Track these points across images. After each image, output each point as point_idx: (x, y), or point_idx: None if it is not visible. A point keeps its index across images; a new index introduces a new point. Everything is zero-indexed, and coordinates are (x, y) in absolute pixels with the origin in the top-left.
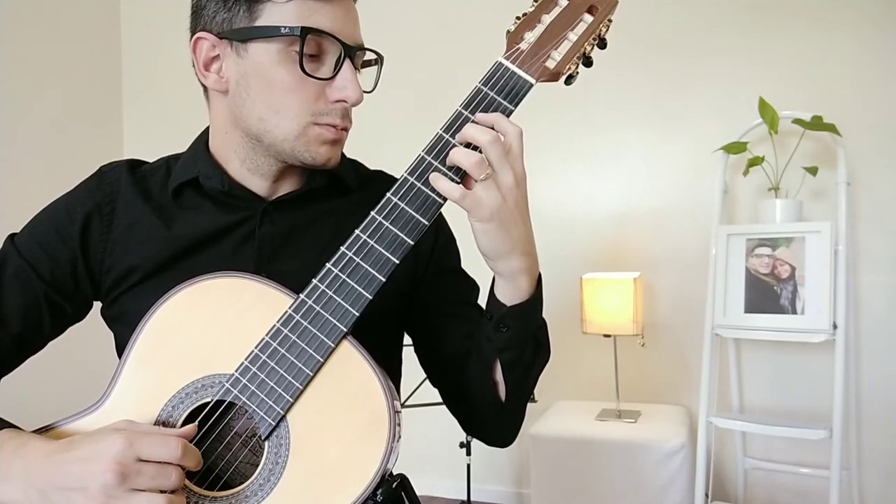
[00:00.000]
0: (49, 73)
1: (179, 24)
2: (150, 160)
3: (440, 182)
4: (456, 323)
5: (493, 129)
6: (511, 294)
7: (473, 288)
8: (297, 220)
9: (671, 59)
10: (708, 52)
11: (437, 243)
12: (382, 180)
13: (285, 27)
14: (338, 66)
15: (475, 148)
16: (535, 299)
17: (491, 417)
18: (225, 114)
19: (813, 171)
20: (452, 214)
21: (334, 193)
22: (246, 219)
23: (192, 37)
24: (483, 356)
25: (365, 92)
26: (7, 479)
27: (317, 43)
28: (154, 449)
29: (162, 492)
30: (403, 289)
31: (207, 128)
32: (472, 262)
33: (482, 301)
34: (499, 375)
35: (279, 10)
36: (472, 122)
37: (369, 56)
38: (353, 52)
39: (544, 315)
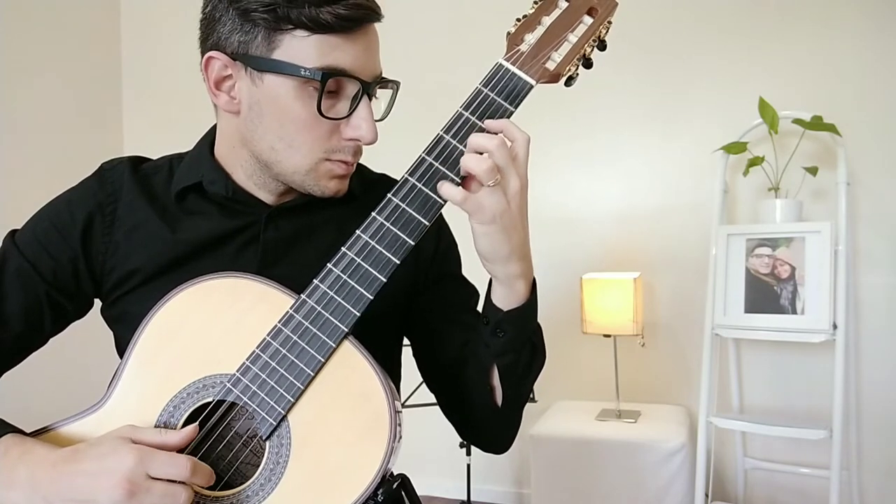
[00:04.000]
0: (49, 73)
1: (179, 25)
2: (152, 158)
3: (442, 186)
4: (455, 329)
5: (501, 134)
6: (508, 298)
7: (473, 294)
8: (301, 227)
9: (671, 60)
10: (708, 52)
11: (438, 248)
12: (387, 184)
13: (305, 69)
14: (354, 104)
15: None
16: (531, 303)
17: (487, 423)
18: (234, 132)
19: (813, 171)
20: (454, 221)
21: (338, 199)
22: (250, 224)
23: (203, 50)
24: (480, 361)
25: (376, 120)
26: (12, 486)
27: (335, 81)
28: (164, 467)
29: None
30: (405, 292)
31: (213, 128)
32: (472, 269)
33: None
34: (495, 380)
35: (299, 45)
36: (480, 127)
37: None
38: (370, 89)
39: (544, 314)
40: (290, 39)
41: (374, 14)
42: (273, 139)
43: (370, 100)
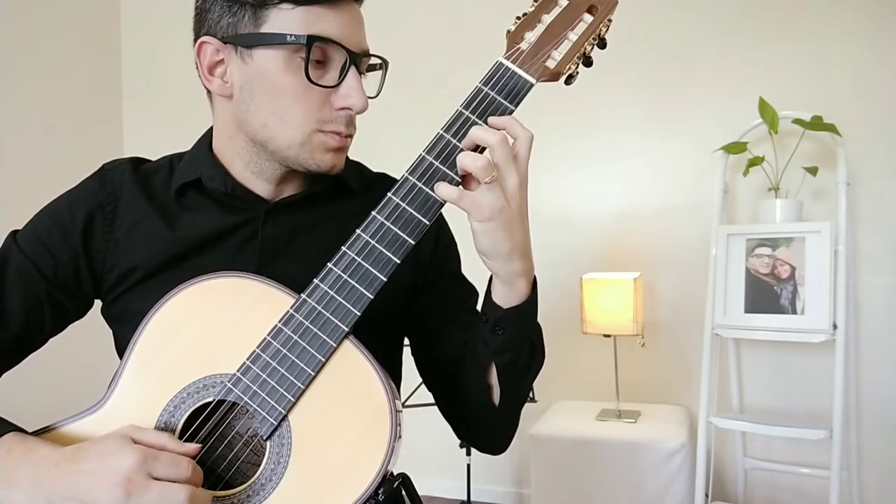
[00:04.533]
0: (49, 73)
1: (179, 24)
2: (152, 158)
3: (438, 186)
4: (454, 328)
5: (503, 131)
6: (508, 296)
7: (473, 294)
8: (300, 223)
9: (671, 59)
10: (708, 52)
11: (438, 247)
12: (386, 183)
13: (291, 35)
14: (343, 74)
15: (481, 149)
16: (532, 302)
17: (484, 422)
18: (229, 118)
19: (813, 171)
20: (454, 219)
21: (337, 196)
22: (249, 220)
23: (195, 40)
24: (478, 359)
25: (369, 97)
26: (14, 485)
27: (322, 50)
28: (165, 468)
29: None
30: (404, 291)
31: (211, 128)
32: (472, 268)
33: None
34: (493, 379)
35: (285, 17)
36: (480, 124)
37: (374, 60)
38: (358, 59)
39: (544, 314)
40: (276, 13)
41: None
42: (265, 115)
43: (360, 73)
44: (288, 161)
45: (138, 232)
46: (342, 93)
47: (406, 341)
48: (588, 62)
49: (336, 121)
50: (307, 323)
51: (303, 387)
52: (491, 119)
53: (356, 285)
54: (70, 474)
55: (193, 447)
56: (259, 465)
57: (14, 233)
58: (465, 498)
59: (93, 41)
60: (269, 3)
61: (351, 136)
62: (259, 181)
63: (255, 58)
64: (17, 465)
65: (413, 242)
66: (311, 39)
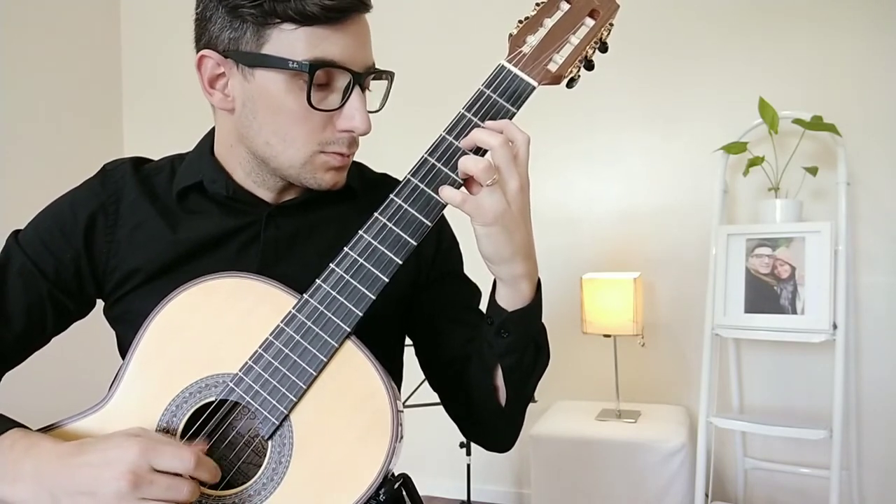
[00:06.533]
0: (49, 73)
1: (180, 25)
2: (153, 158)
3: (442, 189)
4: (457, 327)
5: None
6: (512, 299)
7: (475, 293)
8: (302, 225)
9: (671, 60)
10: (708, 52)
11: (440, 248)
12: (388, 184)
13: (293, 61)
14: (346, 95)
15: (482, 152)
16: (536, 304)
17: (490, 422)
18: (231, 129)
19: (813, 171)
20: (455, 219)
21: (339, 198)
22: (250, 223)
23: (196, 50)
24: (483, 361)
25: (371, 112)
26: (17, 480)
27: (326, 73)
28: (168, 460)
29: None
30: (406, 292)
31: (213, 129)
32: (474, 268)
33: (483, 306)
34: (499, 380)
35: (287, 38)
36: (482, 127)
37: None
38: (362, 79)
39: (545, 314)
40: (278, 33)
41: (362, 4)
42: (268, 134)
43: (363, 91)
44: (289, 178)
45: (141, 233)
46: (345, 115)
47: (409, 342)
48: (590, 66)
49: (339, 142)
50: (309, 323)
51: (305, 387)
52: (487, 123)
53: (358, 286)
54: (73, 467)
55: (200, 444)
56: (260, 466)
57: (16, 233)
58: (465, 498)
59: (93, 41)
60: (271, 22)
61: (353, 153)
62: (260, 189)
63: (257, 77)
64: (20, 459)
65: (415, 244)
66: (314, 67)
